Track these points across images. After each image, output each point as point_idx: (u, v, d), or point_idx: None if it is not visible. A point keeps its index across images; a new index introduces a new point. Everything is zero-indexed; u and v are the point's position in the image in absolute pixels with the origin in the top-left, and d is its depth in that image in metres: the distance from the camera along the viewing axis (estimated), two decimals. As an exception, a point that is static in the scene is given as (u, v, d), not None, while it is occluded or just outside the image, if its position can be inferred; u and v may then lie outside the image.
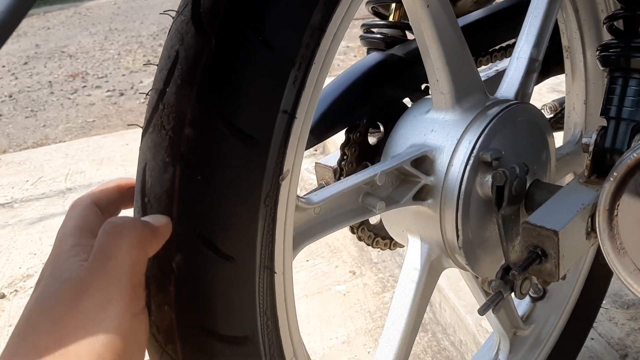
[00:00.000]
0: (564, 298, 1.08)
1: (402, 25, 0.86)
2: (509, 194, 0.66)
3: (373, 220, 0.83)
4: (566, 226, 0.60)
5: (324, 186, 0.74)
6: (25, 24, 8.28)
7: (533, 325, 1.05)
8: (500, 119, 0.69)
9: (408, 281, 0.73)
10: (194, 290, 0.47)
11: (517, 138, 0.72)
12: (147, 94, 0.47)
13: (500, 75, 0.84)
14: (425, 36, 0.64)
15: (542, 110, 1.11)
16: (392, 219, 0.76)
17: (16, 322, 0.41)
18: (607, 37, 0.86)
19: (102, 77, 5.06)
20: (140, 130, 0.48)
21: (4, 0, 0.30)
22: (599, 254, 1.07)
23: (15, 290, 1.84)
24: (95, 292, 0.41)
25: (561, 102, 1.11)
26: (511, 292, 0.63)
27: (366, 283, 1.72)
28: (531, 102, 0.77)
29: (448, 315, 1.45)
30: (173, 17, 0.47)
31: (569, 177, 0.99)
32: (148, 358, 0.51)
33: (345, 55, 4.81)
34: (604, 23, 0.80)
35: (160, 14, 0.55)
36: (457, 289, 1.41)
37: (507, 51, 0.94)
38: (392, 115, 0.75)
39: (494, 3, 0.97)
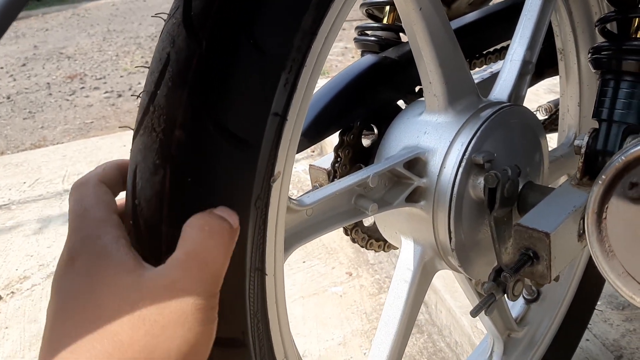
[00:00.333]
0: (558, 300, 1.08)
1: (396, 27, 0.86)
2: (501, 196, 0.66)
3: (367, 222, 0.84)
4: (558, 228, 0.60)
5: (317, 188, 0.75)
6: (23, 26, 8.29)
7: (527, 327, 1.05)
8: (492, 121, 0.69)
9: (401, 283, 0.73)
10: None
11: (510, 140, 0.72)
12: (138, 96, 0.47)
13: (494, 77, 0.85)
14: (418, 39, 0.65)
15: (537, 112, 1.11)
16: (385, 221, 0.77)
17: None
18: (600, 39, 0.86)
19: (100, 79, 5.06)
20: (135, 132, 0.48)
21: None
22: (593, 256, 1.08)
23: (12, 292, 1.84)
24: (185, 294, 0.39)
25: (556, 104, 1.12)
26: (503, 294, 0.63)
27: (362, 284, 1.72)
28: (528, 103, 0.78)
29: (444, 317, 1.45)
30: (165, 20, 0.48)
31: (563, 179, 0.99)
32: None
33: (344, 56, 4.81)
34: (595, 25, 0.80)
35: (152, 16, 0.55)
36: (453, 291, 1.41)
37: (502, 53, 0.95)
38: (386, 117, 0.75)
39: (488, 5, 0.98)
